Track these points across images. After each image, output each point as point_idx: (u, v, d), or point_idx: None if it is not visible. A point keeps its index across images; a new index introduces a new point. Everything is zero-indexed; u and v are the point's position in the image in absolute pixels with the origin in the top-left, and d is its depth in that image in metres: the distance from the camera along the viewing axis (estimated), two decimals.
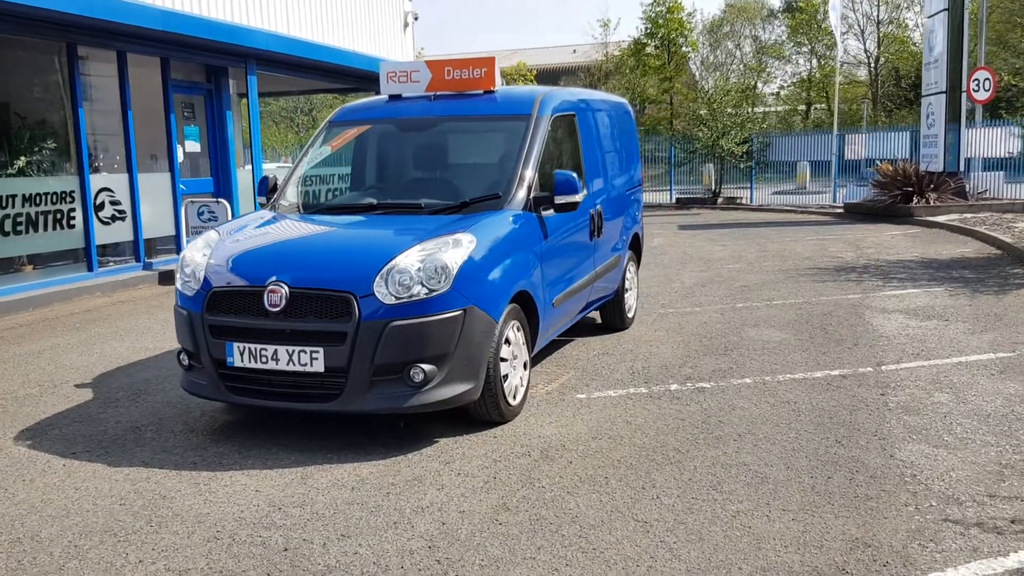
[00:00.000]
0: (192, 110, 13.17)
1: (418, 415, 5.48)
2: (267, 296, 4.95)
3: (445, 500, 4.35)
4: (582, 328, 8.10)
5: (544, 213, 5.99)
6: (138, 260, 11.89)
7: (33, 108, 11.24)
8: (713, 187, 24.96)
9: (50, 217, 10.60)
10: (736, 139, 24.24)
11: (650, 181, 30.13)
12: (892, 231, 16.14)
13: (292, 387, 5.01)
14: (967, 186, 18.52)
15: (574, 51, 49.28)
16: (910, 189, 17.91)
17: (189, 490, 4.55)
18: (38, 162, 10.78)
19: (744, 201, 24.55)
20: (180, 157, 12.72)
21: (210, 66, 13.25)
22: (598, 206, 7.06)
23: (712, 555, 3.73)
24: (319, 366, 4.87)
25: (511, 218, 5.71)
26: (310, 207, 6.38)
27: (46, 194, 10.56)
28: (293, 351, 4.90)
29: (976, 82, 18.50)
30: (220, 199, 12.06)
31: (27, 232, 10.32)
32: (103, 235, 11.24)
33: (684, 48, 41.59)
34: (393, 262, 4.94)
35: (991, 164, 19.72)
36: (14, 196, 10.15)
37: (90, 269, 11.06)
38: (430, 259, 4.98)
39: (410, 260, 4.96)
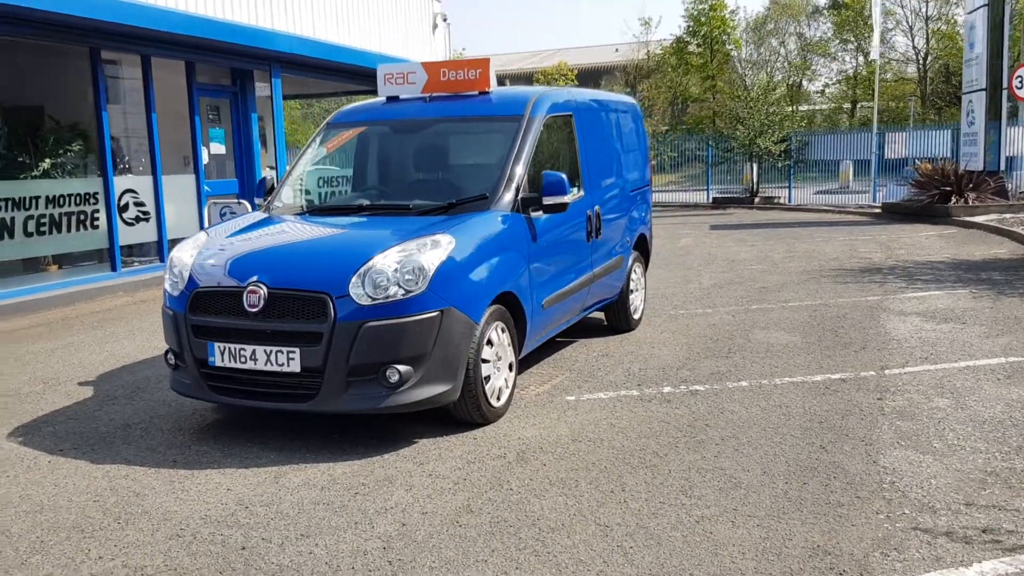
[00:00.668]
0: (217, 113, 13.37)
1: (402, 415, 5.49)
2: (246, 296, 5.00)
3: (411, 501, 4.34)
4: (586, 329, 8.05)
5: (533, 214, 5.95)
6: (162, 260, 12.09)
7: (57, 111, 11.48)
8: (752, 186, 24.65)
9: (74, 218, 10.84)
10: (773, 138, 23.91)
11: (689, 181, 29.95)
12: (927, 231, 15.79)
13: (271, 387, 5.05)
14: (1008, 185, 18.04)
15: (616, 50, 49.12)
16: (948, 189, 17.50)
17: (163, 488, 4.61)
18: (62, 164, 11.02)
19: (782, 201, 24.21)
20: (205, 159, 12.92)
21: (235, 69, 13.43)
22: (596, 207, 7.00)
23: (667, 560, 3.67)
24: (295, 366, 4.91)
25: (497, 219, 5.69)
26: (303, 208, 6.42)
27: (70, 195, 10.80)
28: (271, 351, 4.94)
29: (1019, 79, 17.98)
30: (242, 200, 12.15)
31: (51, 233, 10.57)
32: (127, 236, 11.46)
33: (727, 46, 41.24)
34: (370, 263, 4.95)
35: None
36: (38, 198, 10.40)
37: (113, 269, 11.29)
38: (407, 260, 4.98)
39: (388, 261, 4.97)
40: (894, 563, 3.58)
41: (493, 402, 5.43)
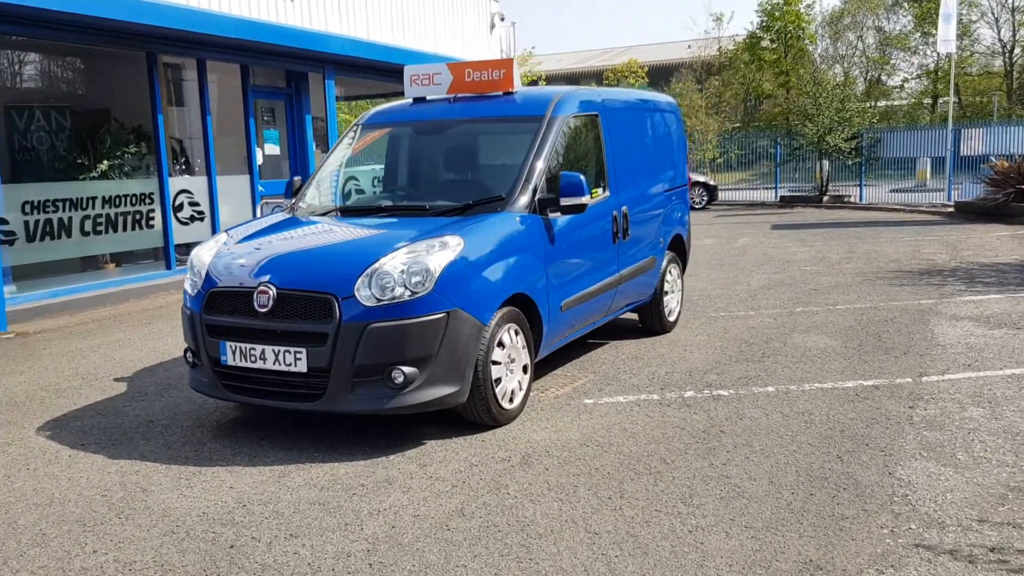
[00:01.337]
0: (272, 114, 13.61)
1: (414, 416, 5.50)
2: (256, 297, 5.06)
3: (405, 503, 4.33)
4: (619, 331, 7.95)
5: (551, 215, 5.89)
6: None
7: (118, 115, 11.83)
8: (821, 185, 24.02)
9: (130, 218, 11.17)
10: (843, 135, 23.25)
11: (759, 179, 29.36)
12: (999, 232, 15.16)
13: (280, 386, 5.11)
14: None
15: (688, 47, 48.43)
16: None
17: (169, 484, 4.70)
18: (119, 166, 11.36)
19: (852, 199, 23.54)
20: (259, 160, 13.16)
21: (290, 71, 13.65)
22: (624, 208, 6.89)
23: (650, 571, 3.58)
24: (302, 366, 4.95)
25: (512, 220, 5.65)
26: (326, 209, 6.47)
27: (126, 196, 11.13)
28: (279, 351, 4.99)
29: None
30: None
31: (107, 232, 10.90)
32: (181, 235, 11.75)
33: (802, 41, 40.22)
34: (376, 264, 4.96)
35: None
36: (95, 198, 10.74)
37: (168, 267, 11.58)
38: (414, 262, 4.97)
39: (395, 262, 4.97)
40: None
41: (504, 404, 5.39)
